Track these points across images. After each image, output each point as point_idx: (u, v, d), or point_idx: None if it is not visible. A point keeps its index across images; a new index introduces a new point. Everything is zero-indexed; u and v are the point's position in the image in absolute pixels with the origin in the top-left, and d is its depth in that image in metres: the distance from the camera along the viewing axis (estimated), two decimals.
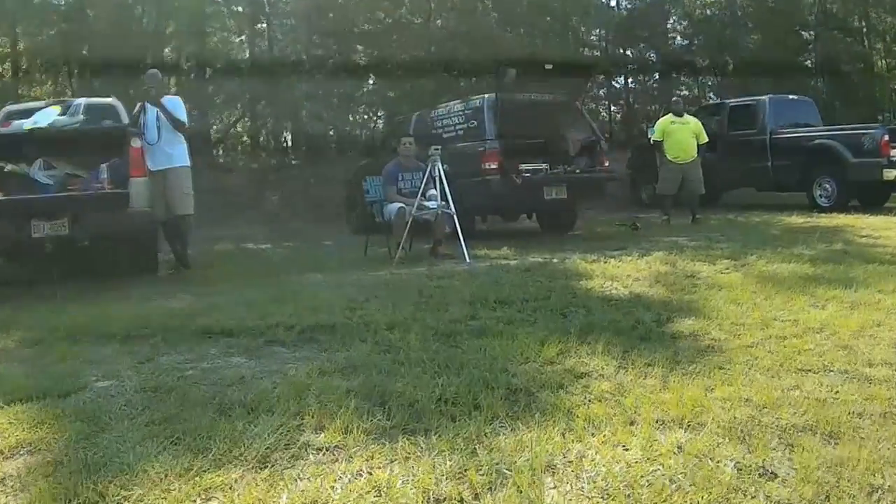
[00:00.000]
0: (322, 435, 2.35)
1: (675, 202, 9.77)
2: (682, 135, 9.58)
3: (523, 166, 8.28)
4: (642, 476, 2.01)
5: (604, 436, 2.26)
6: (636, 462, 2.09)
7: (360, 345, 3.46)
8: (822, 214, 9.55)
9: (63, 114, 6.42)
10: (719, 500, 1.88)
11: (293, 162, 16.58)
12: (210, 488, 2.01)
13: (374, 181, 7.44)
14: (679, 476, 2.00)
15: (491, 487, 1.97)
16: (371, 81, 16.74)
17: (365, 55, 16.08)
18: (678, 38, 19.81)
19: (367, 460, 2.16)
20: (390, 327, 3.74)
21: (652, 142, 9.96)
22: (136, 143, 6.06)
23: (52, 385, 2.94)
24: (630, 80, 19.48)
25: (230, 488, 2.01)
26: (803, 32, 19.02)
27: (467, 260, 6.32)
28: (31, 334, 4.01)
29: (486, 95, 8.62)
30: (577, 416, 2.42)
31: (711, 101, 15.21)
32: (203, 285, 5.62)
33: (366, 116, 17.75)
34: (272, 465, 2.14)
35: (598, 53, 18.51)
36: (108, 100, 7.49)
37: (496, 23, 15.39)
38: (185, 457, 2.19)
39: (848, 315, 3.76)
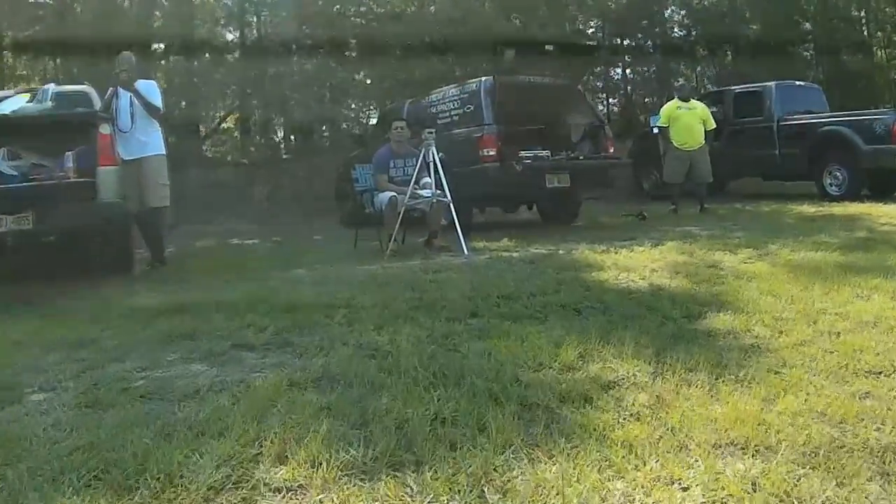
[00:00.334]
0: (282, 469, 1.84)
1: (682, 191, 9.34)
2: (688, 120, 9.21)
3: (523, 153, 7.78)
4: None
5: (651, 469, 1.75)
6: None
7: (341, 349, 2.96)
8: (834, 203, 9.16)
9: (31, 101, 6.06)
10: None
11: (284, 156, 16.26)
12: None
13: (364, 170, 6.98)
14: None
15: None
16: (362, 73, 16.34)
17: (356, 46, 15.68)
18: (676, 27, 19.50)
19: None
20: (377, 328, 3.27)
21: (656, 129, 9.58)
22: (105, 129, 5.62)
23: None
24: (628, 71, 19.17)
25: None
26: (802, 21, 18.69)
27: (465, 252, 5.84)
28: None
29: (483, 78, 8.12)
30: (614, 442, 1.91)
31: (714, 89, 14.84)
32: (176, 283, 5.15)
33: (360, 105, 17.31)
34: None
35: (596, 43, 18.18)
36: (81, 87, 7.07)
37: (490, 9, 14.99)
38: (104, 500, 1.69)
39: None
